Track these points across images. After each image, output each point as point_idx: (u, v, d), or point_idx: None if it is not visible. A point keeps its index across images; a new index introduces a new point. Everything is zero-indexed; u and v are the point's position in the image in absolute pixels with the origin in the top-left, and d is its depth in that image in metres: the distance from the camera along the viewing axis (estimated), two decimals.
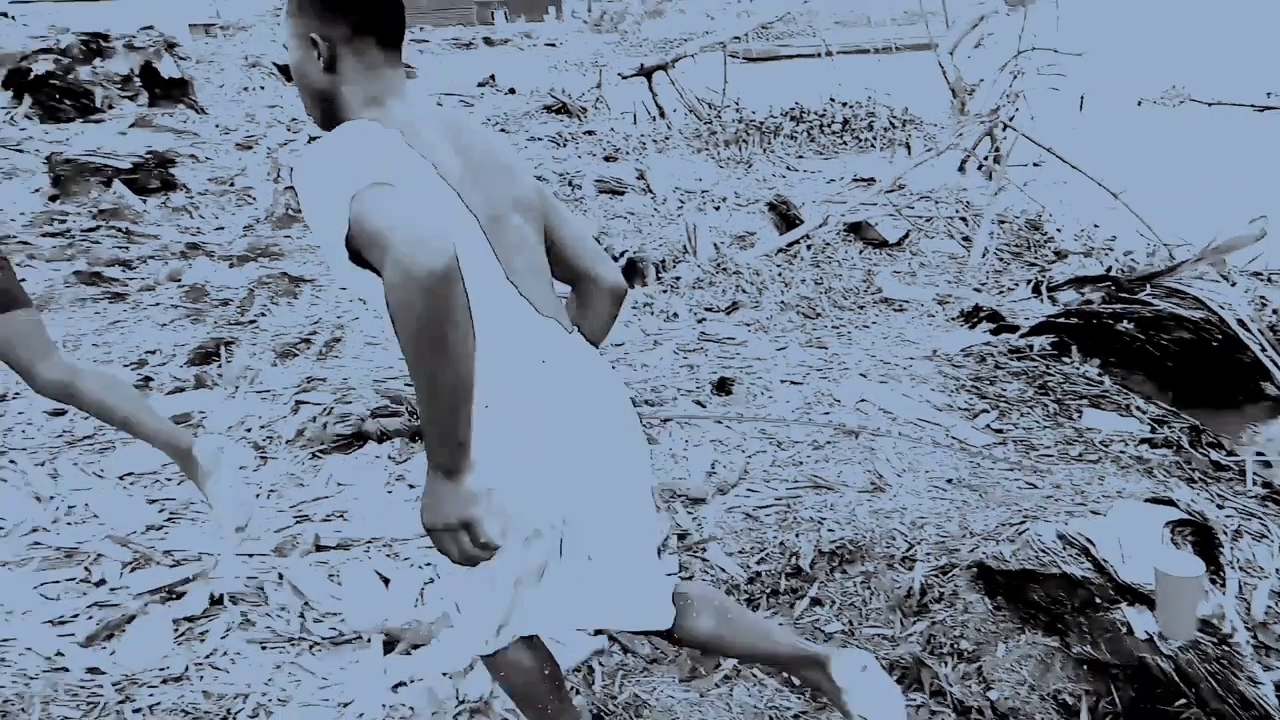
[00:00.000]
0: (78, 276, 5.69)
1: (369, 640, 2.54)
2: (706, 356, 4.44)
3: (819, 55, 16.35)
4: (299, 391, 4.00)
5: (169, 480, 3.39)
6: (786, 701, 2.31)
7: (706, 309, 5.14)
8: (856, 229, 6.19)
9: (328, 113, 1.59)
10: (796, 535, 2.92)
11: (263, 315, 4.99)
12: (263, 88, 17.52)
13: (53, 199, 8.17)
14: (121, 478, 3.41)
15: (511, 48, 28.00)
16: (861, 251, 6.06)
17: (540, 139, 11.32)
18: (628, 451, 1.75)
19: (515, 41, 29.20)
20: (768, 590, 2.75)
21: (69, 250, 6.50)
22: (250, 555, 2.91)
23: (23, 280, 5.88)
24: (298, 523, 3.10)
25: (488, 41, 28.73)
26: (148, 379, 4.24)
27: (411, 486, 3.28)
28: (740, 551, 2.91)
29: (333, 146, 1.45)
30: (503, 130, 12.10)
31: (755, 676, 2.38)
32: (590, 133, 11.75)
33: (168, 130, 12.14)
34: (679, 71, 12.75)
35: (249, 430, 3.76)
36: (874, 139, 10.44)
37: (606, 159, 9.66)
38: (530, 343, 1.59)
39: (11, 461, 3.51)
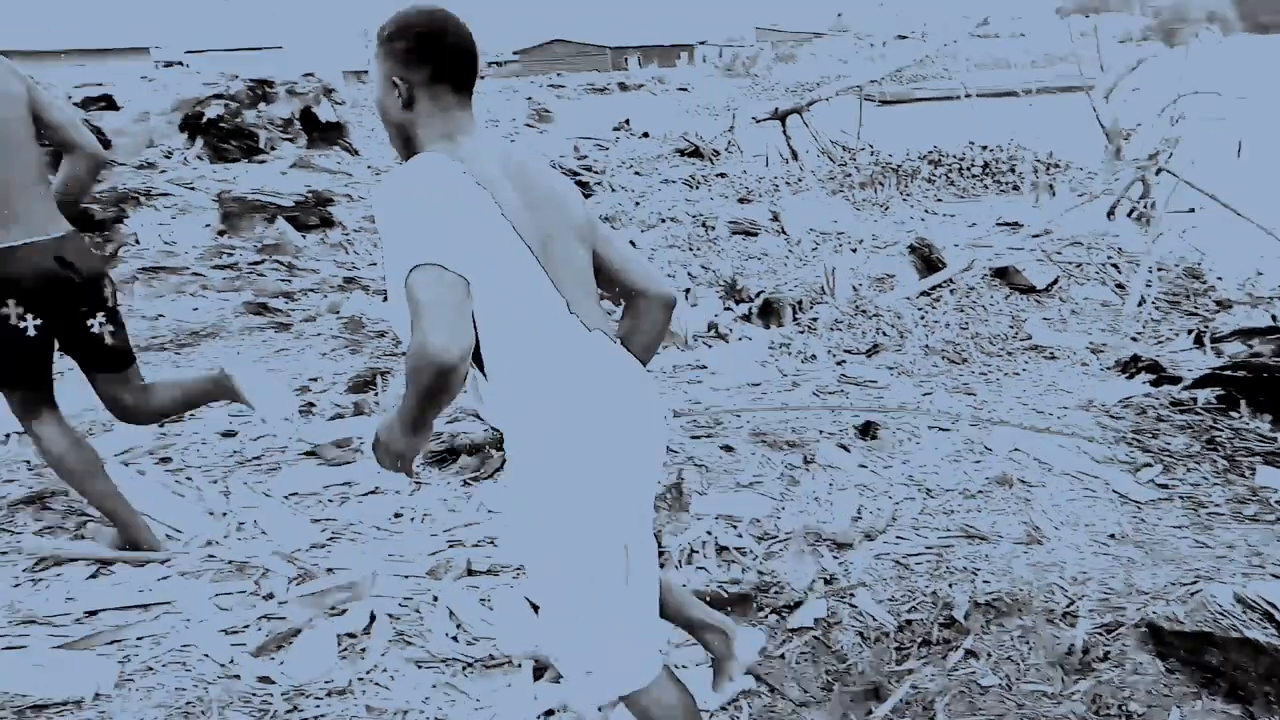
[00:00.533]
0: (246, 306, 6.07)
1: (519, 665, 2.59)
2: (848, 399, 4.39)
3: (955, 98, 16.11)
4: (450, 421, 4.14)
5: (330, 501, 3.56)
6: None
7: (846, 351, 5.09)
8: (1002, 274, 6.03)
9: (406, 144, 1.80)
10: (950, 585, 2.85)
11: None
12: None
13: (221, 234, 8.76)
14: (287, 497, 3.59)
15: (645, 93, 28.61)
16: (1007, 297, 5.89)
17: (673, 181, 11.47)
18: (654, 462, 1.87)
19: (649, 86, 29.84)
20: (919, 639, 2.68)
21: (237, 282, 6.95)
22: (405, 576, 3.02)
23: (195, 309, 6.29)
24: (450, 547, 3.20)
25: (622, 86, 29.43)
26: (310, 405, 4.47)
27: None
28: (890, 599, 2.85)
29: (408, 184, 1.63)
30: (636, 173, 12.34)
31: None
32: (722, 175, 11.85)
33: (324, 171, 12.87)
34: (813, 114, 12.76)
35: None
36: (1016, 183, 10.17)
37: (740, 200, 9.72)
38: (577, 351, 1.73)
39: (188, 478, 3.75)
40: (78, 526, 3.35)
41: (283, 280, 7.05)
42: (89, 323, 2.89)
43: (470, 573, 3.04)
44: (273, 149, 14.48)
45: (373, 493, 3.63)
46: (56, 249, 2.76)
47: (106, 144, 13.53)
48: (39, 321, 2.77)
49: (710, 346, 5.14)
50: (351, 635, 2.72)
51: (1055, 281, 6.00)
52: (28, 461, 3.94)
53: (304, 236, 8.48)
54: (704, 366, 4.83)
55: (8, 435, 4.32)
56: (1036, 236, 6.60)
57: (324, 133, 15.48)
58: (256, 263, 7.54)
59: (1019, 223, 7.67)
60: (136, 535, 3.13)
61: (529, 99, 23.29)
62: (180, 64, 32.61)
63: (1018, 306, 5.74)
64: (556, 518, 1.71)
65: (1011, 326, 5.39)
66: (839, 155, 11.87)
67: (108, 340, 2.95)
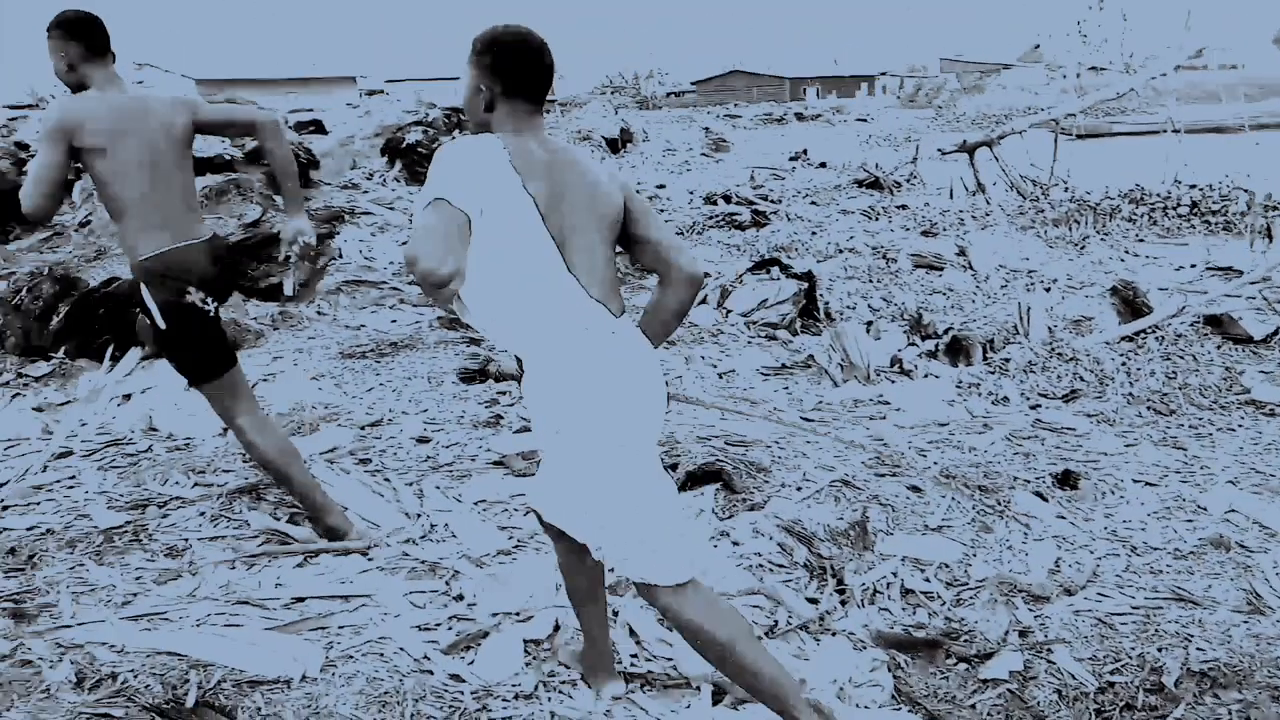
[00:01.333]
0: (440, 321, 6.38)
1: (698, 689, 2.58)
2: (1043, 445, 4.18)
3: (1158, 132, 15.16)
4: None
5: (516, 510, 3.67)
6: None
7: (1041, 395, 4.85)
8: (1216, 322, 5.61)
9: (482, 127, 2.17)
10: (1159, 649, 2.65)
11: None
12: None
13: None
14: (476, 503, 3.73)
15: (822, 123, 28.37)
16: (1220, 347, 5.47)
17: (852, 212, 11.31)
18: (653, 415, 2.20)
19: (826, 117, 29.58)
20: (1122, 703, 2.51)
21: (426, 298, 7.31)
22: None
23: (393, 321, 6.63)
24: None
25: (799, 117, 29.29)
26: (499, 417, 4.64)
27: (735, 543, 3.32)
28: (1091, 658, 2.68)
29: (454, 149, 2.00)
30: (813, 203, 12.24)
31: None
32: (903, 207, 11.59)
33: None
34: (1003, 148, 12.30)
35: None
36: (1229, 224, 9.46)
37: (924, 234, 9.47)
38: (578, 315, 2.09)
39: (385, 479, 3.95)
40: (289, 518, 3.58)
41: None
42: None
43: None
44: None
45: None
46: (213, 246, 3.34)
47: (315, 164, 14.59)
48: (216, 303, 3.30)
49: (894, 382, 5.01)
50: (536, 642, 2.79)
51: (1276, 332, 5.53)
52: (242, 454, 4.26)
53: None
54: (887, 402, 4.71)
55: (225, 429, 4.70)
56: (1255, 283, 6.11)
57: None
58: None
59: (1233, 268, 7.13)
60: (334, 522, 3.41)
61: (706, 129, 23.50)
62: (381, 92, 34.79)
63: (1232, 357, 5.32)
64: (558, 434, 2.15)
65: (1225, 379, 4.99)
66: (1030, 190, 11.40)
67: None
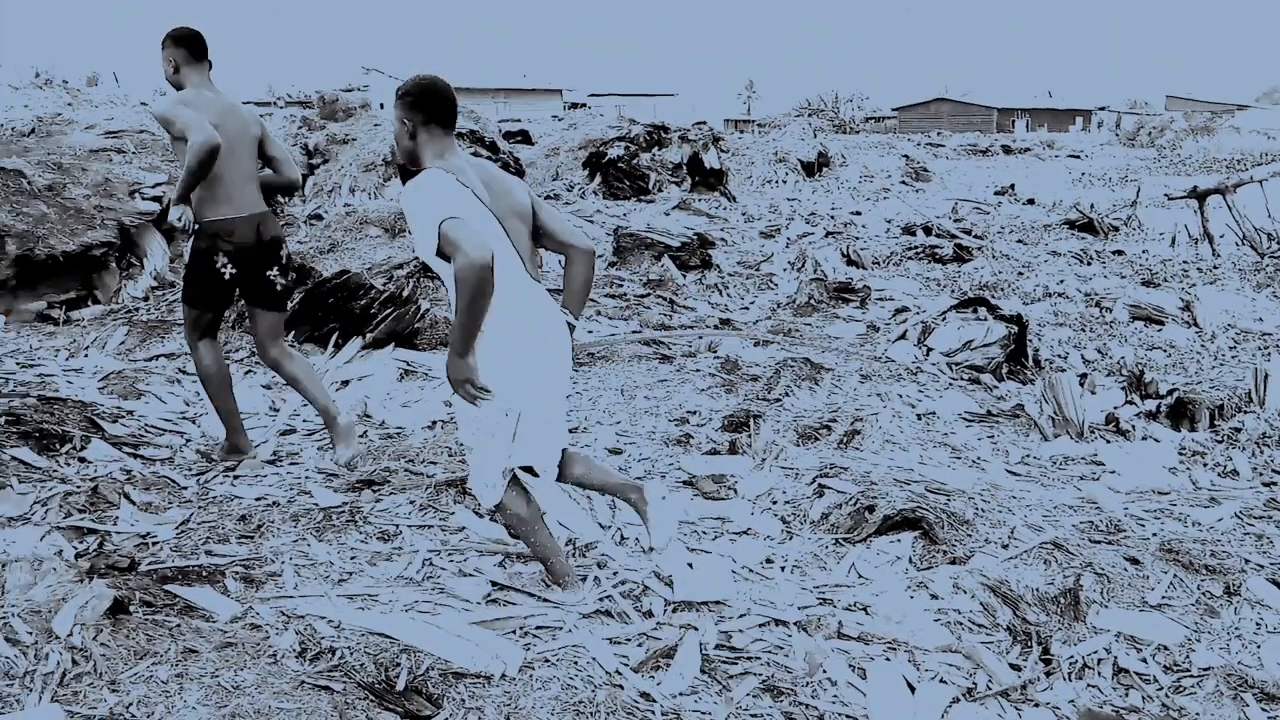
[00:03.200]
0: (634, 335, 6.49)
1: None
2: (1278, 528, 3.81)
3: None
4: (821, 475, 4.13)
5: (705, 533, 3.68)
6: None
7: (1276, 472, 4.43)
8: None
9: (412, 160, 2.91)
10: None
11: (787, 395, 5.26)
12: (784, 181, 18.77)
13: (612, 265, 9.46)
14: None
15: (1031, 157, 27.12)
16: None
17: (1062, 254, 10.74)
18: (561, 363, 3.00)
19: (1036, 151, 28.26)
20: None
21: (626, 311, 7.46)
22: (776, 623, 3.03)
23: (590, 332, 6.79)
24: (820, 604, 3.17)
25: (1006, 149, 28.13)
26: (688, 436, 4.67)
27: (934, 596, 3.20)
28: None
29: (423, 188, 2.74)
30: (1020, 241, 11.71)
31: None
32: (1119, 253, 10.93)
33: (703, 215, 13.50)
34: (1238, 196, 11.36)
35: (774, 502, 3.96)
36: None
37: (1144, 284, 8.87)
38: (522, 292, 2.84)
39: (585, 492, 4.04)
40: (490, 516, 3.73)
41: (664, 315, 7.46)
42: (268, 273, 4.22)
43: (840, 635, 3.00)
44: (659, 190, 15.47)
45: (746, 533, 3.70)
46: (260, 220, 4.14)
47: (521, 173, 15.19)
48: (234, 270, 4.11)
49: (1109, 442, 4.70)
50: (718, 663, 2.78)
51: None
52: (449, 448, 4.47)
53: (684, 275, 8.93)
54: (1101, 463, 4.42)
55: (434, 422, 4.94)
56: None
57: (706, 178, 16.29)
58: (643, 295, 8.05)
59: None
60: (236, 440, 4.32)
61: (906, 156, 22.94)
62: (585, 105, 35.88)
63: None
64: (488, 373, 2.80)
65: None
66: (1267, 246, 10.47)
67: (276, 287, 4.29)
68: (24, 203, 7.68)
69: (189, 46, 4.04)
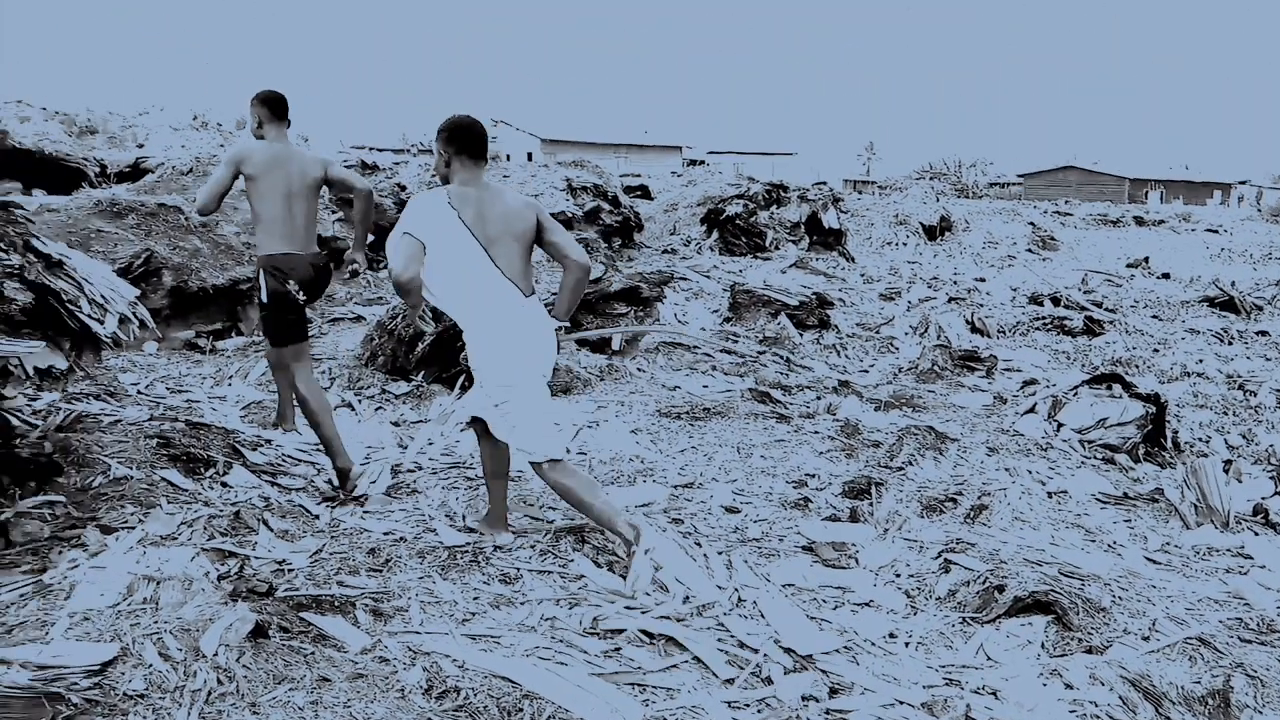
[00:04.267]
0: (751, 392, 6.47)
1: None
2: None
3: None
4: (947, 549, 4.01)
5: (825, 602, 3.61)
6: None
7: None
8: None
9: (445, 181, 3.63)
10: None
11: (910, 464, 5.14)
12: (904, 244, 18.54)
13: (727, 320, 9.49)
14: (784, 586, 3.70)
15: (1165, 230, 26.09)
16: None
17: (1200, 333, 10.27)
18: (543, 357, 3.70)
19: (1171, 223, 27.17)
20: None
21: (741, 367, 7.45)
22: (899, 701, 2.94)
23: (705, 387, 6.75)
24: (947, 684, 3.07)
25: (1139, 221, 27.16)
26: (807, 500, 4.61)
27: (1069, 686, 3.05)
28: None
29: (411, 206, 3.55)
30: (1155, 317, 11.25)
31: None
32: (1264, 334, 10.37)
33: (820, 274, 13.44)
34: None
35: (897, 575, 3.86)
36: None
37: None
38: (498, 294, 3.57)
39: (697, 544, 4.03)
40: (609, 565, 3.74)
41: (780, 373, 7.42)
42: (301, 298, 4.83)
43: (968, 719, 2.88)
44: (776, 248, 15.48)
45: (868, 605, 3.61)
46: (314, 259, 4.84)
47: (640, 226, 15.43)
48: (304, 296, 4.78)
49: (1258, 534, 4.43)
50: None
51: None
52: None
53: (801, 334, 8.88)
54: (1249, 556, 4.16)
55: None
56: None
57: (825, 238, 16.23)
58: (759, 352, 8.03)
59: None
60: (342, 464, 4.58)
61: (1032, 224, 22.38)
62: (703, 162, 36.30)
63: None
64: (483, 372, 3.70)
65: None
66: None
67: (307, 312, 4.94)
68: (181, 237, 8.21)
69: (270, 107, 4.82)
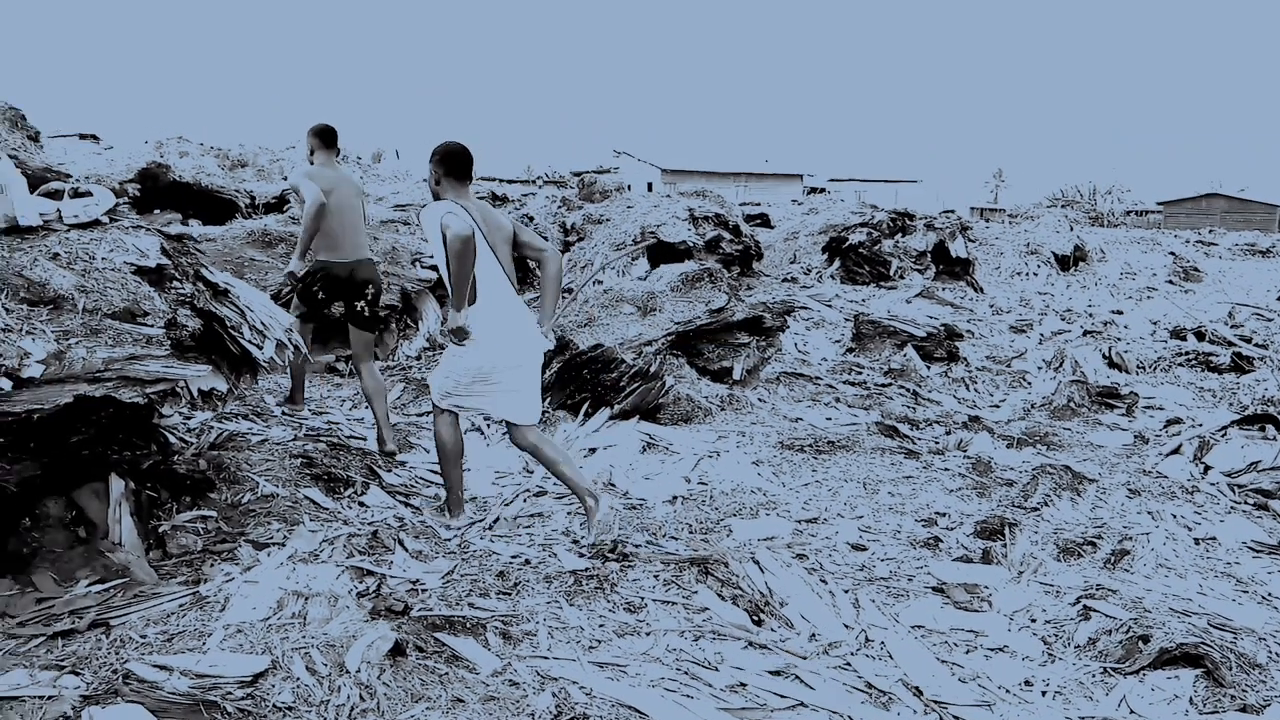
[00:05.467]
0: (877, 426, 6.35)
1: None
2: None
3: None
4: (1086, 595, 3.84)
5: (956, 645, 3.50)
6: None
7: None
8: None
9: (436, 197, 4.26)
10: None
11: (1045, 505, 4.96)
12: (1035, 274, 17.92)
13: (849, 351, 9.34)
14: (913, 628, 3.61)
15: None
16: None
17: None
18: (531, 346, 4.34)
19: None
20: None
21: (866, 400, 7.33)
22: None
23: (829, 419, 6.68)
24: None
25: None
26: (937, 539, 4.49)
27: None
28: None
29: (436, 207, 4.09)
30: None
31: None
32: None
33: (947, 304, 13.10)
34: None
35: (1033, 620, 3.71)
36: None
37: None
38: (500, 290, 4.21)
39: (823, 581, 3.98)
40: (733, 599, 3.73)
41: (907, 407, 7.26)
42: (357, 304, 5.59)
43: None
44: (901, 277, 15.19)
45: (1002, 650, 3.49)
46: (354, 265, 5.56)
47: (759, 255, 15.40)
48: (324, 296, 5.55)
49: None
50: None
51: None
52: (689, 524, 4.54)
53: (928, 366, 8.67)
54: None
55: (675, 498, 5.03)
56: None
57: (952, 267, 15.83)
58: (883, 385, 7.88)
59: None
60: (388, 445, 5.39)
61: (1173, 254, 21.29)
62: (824, 190, 36.03)
63: None
64: (475, 362, 4.28)
65: None
66: None
67: (365, 314, 5.65)
68: None
69: (322, 138, 5.63)
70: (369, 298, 5.64)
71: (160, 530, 3.90)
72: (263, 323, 3.46)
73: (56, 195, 3.44)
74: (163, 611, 3.10)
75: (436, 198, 4.22)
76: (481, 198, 13.27)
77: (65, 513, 3.67)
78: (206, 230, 9.42)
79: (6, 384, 2.78)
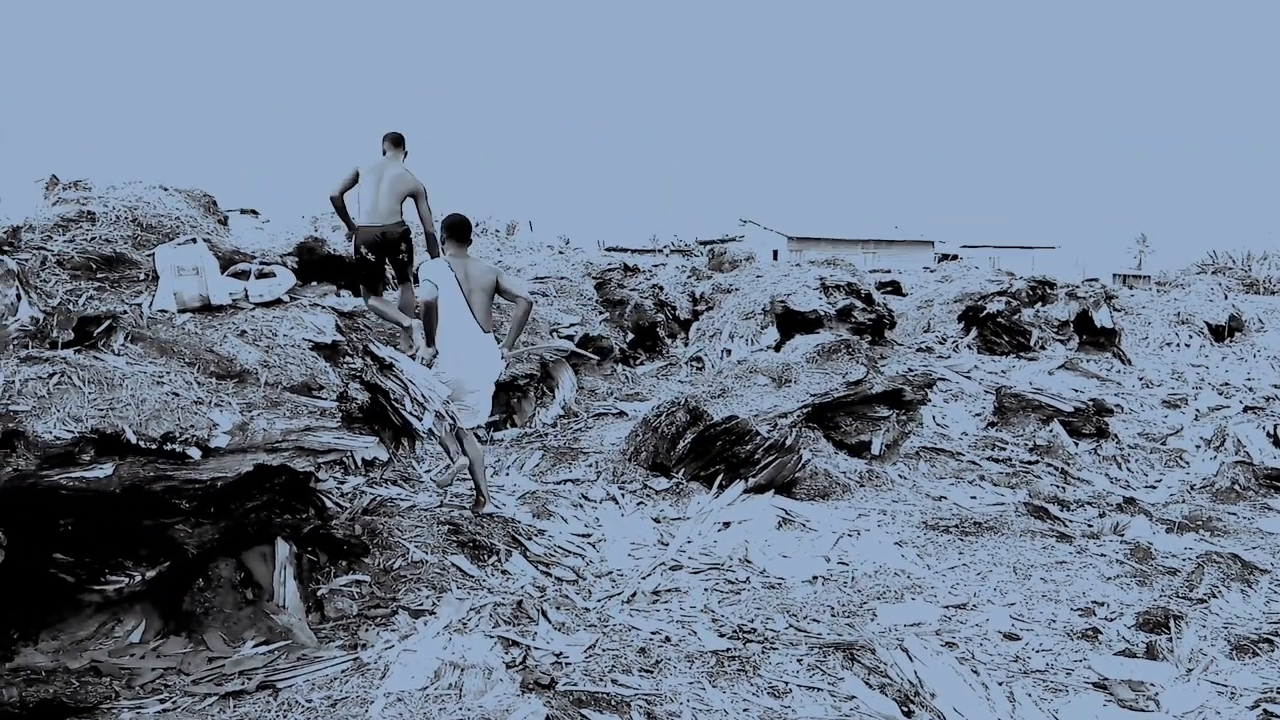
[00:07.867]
0: (1026, 506, 6.11)
1: None
2: None
3: None
4: (1265, 699, 3.57)
5: None
6: None
7: None
8: None
9: (435, 255, 6.67)
10: None
11: (1213, 596, 4.65)
12: (1187, 345, 17.00)
13: (991, 425, 9.04)
14: None
15: None
16: None
17: None
18: (487, 374, 5.56)
19: None
20: None
21: (1012, 479, 7.06)
22: None
23: (974, 498, 6.48)
24: None
25: None
26: (1096, 630, 4.26)
27: None
28: None
29: (430, 264, 5.72)
30: None
31: None
32: None
33: (1093, 377, 12.55)
34: None
35: None
36: None
37: None
38: (466, 326, 5.43)
39: (974, 672, 3.82)
40: (880, 688, 3.62)
41: (1056, 486, 6.96)
42: (397, 256, 7.07)
43: None
44: (1042, 348, 14.66)
45: None
46: (382, 229, 6.93)
47: (892, 323, 15.17)
48: (373, 256, 6.96)
49: None
50: None
51: None
52: (831, 607, 4.44)
53: (1076, 443, 8.31)
54: None
55: (816, 577, 4.95)
56: None
57: (1096, 337, 15.21)
58: (1030, 462, 7.59)
59: None
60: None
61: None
62: (957, 257, 35.29)
63: None
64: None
65: None
66: None
67: (405, 266, 7.13)
68: None
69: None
70: (399, 254, 7.10)
71: (319, 594, 4.08)
72: (423, 395, 3.62)
73: (243, 275, 3.72)
74: (326, 676, 3.23)
75: (439, 253, 6.07)
76: (613, 268, 13.61)
77: (235, 575, 3.88)
78: (358, 302, 9.92)
79: (196, 453, 2.99)
